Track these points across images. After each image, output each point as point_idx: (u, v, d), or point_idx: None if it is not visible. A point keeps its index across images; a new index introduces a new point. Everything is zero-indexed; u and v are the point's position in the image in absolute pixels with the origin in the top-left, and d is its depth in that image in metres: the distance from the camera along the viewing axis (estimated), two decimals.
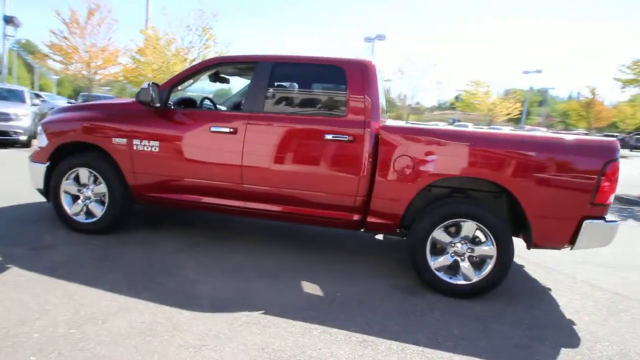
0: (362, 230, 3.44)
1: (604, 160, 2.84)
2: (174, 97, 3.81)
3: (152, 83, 3.42)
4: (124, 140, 3.61)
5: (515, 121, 36.20)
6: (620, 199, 8.65)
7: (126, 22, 21.83)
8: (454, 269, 3.16)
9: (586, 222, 2.90)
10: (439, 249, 3.17)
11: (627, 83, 12.15)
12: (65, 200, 3.83)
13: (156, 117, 3.58)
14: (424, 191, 3.15)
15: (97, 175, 3.72)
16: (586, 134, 30.34)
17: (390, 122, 3.35)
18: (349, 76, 3.30)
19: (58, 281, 2.82)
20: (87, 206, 3.81)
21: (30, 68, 44.85)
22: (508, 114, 28.77)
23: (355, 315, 2.73)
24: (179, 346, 2.21)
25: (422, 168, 3.08)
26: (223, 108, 4.33)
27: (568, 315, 3.00)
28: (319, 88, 3.60)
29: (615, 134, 29.35)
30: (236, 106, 4.66)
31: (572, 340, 2.64)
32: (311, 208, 3.37)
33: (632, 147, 27.69)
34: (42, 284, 2.78)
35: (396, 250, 4.15)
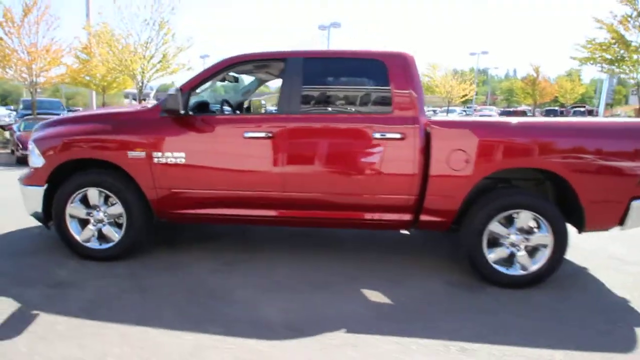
0: (412, 229, 3.33)
1: None
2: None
3: (179, 88, 3.04)
4: (141, 154, 3.20)
5: (466, 102, 37.90)
6: None
7: (71, 20, 19.82)
8: (508, 260, 3.15)
9: (634, 202, 2.99)
10: (494, 242, 3.15)
11: (583, 61, 12.98)
12: (72, 226, 3.35)
13: (177, 125, 3.21)
14: (477, 185, 3.09)
15: (111, 195, 3.29)
16: (529, 110, 32.41)
17: (438, 117, 3.24)
18: (390, 70, 3.13)
19: (104, 324, 2.45)
20: (101, 230, 3.37)
21: None
22: (464, 95, 30.00)
23: (434, 320, 2.63)
24: None
25: (478, 161, 3.01)
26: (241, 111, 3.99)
27: (620, 294, 3.10)
28: (357, 84, 3.39)
29: (555, 108, 31.69)
30: (239, 106, 4.35)
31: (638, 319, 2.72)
32: (361, 212, 3.20)
33: None
34: (87, 330, 2.39)
35: (433, 244, 4.11)
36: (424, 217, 3.18)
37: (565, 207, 3.24)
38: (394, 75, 3.13)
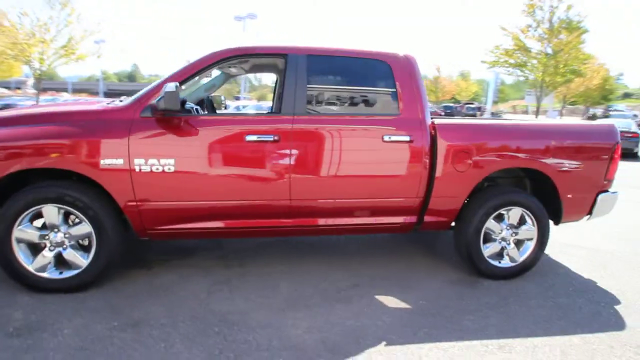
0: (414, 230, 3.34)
1: (613, 142, 3.34)
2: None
3: (178, 84, 2.58)
4: (119, 162, 2.66)
5: None
6: None
7: None
8: (499, 254, 3.35)
9: (600, 195, 3.40)
10: (487, 238, 3.31)
11: (491, 64, 14.60)
12: (20, 253, 2.67)
13: (164, 126, 2.74)
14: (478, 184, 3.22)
15: (74, 212, 2.69)
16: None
17: (440, 119, 3.26)
18: (396, 72, 3.07)
19: None
20: (61, 255, 2.74)
21: None
22: None
23: (458, 321, 2.68)
24: None
25: (482, 162, 3.12)
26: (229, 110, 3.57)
27: (586, 276, 3.52)
28: (363, 84, 3.23)
29: (451, 105, 35.19)
30: (199, 103, 3.93)
31: (609, 296, 3.11)
32: (370, 216, 3.11)
33: (464, 115, 33.65)
34: None
35: (416, 244, 4.18)
36: (428, 218, 3.21)
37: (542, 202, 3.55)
38: (399, 77, 3.08)
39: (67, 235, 2.73)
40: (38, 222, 2.74)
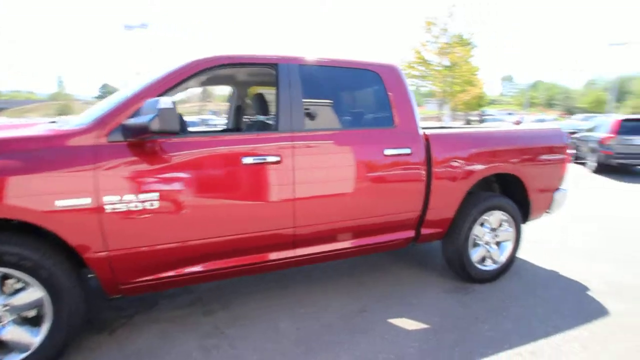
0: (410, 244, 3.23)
1: (565, 143, 3.69)
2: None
3: (174, 101, 2.04)
4: (82, 201, 2.03)
5: None
6: None
7: None
8: (483, 257, 3.45)
9: (557, 192, 3.73)
10: (474, 243, 3.38)
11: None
12: None
13: (139, 153, 2.17)
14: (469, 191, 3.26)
15: (17, 275, 1.98)
16: None
17: (430, 130, 3.20)
18: (387, 82, 2.95)
19: None
20: None
21: None
22: None
23: (477, 332, 2.64)
24: None
25: (473, 170, 3.16)
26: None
27: (549, 268, 3.82)
28: (357, 96, 3.00)
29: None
30: None
31: (576, 285, 3.42)
32: (374, 235, 2.91)
33: None
34: None
35: (392, 256, 4.09)
36: (425, 231, 3.14)
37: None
38: (391, 88, 2.96)
39: (7, 308, 2.00)
40: None
